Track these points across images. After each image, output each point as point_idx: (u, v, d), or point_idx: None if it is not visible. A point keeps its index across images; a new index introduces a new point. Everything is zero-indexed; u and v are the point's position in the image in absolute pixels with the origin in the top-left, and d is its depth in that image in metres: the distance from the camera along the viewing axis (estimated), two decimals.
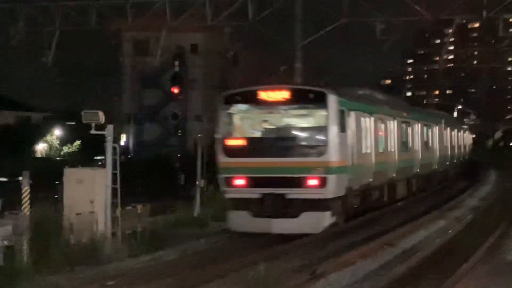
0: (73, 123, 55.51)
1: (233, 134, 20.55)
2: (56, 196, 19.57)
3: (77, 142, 49.69)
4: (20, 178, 17.02)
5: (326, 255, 17.63)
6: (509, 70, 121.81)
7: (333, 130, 19.79)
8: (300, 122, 20.51)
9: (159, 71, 58.51)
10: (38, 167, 35.91)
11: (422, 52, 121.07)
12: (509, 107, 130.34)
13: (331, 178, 19.49)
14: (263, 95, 20.27)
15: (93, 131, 17.80)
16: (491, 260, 17.14)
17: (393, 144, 26.61)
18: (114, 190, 17.74)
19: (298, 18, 32.49)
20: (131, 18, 33.87)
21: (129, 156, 58.14)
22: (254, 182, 19.66)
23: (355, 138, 21.72)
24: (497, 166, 58.66)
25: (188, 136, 42.88)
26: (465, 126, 51.60)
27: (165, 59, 47.74)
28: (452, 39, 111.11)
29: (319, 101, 19.82)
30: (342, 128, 20.33)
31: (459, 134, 44.73)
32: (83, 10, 33.89)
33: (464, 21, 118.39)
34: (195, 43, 63.44)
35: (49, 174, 29.20)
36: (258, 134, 20.59)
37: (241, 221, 19.87)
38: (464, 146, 46.99)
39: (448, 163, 39.47)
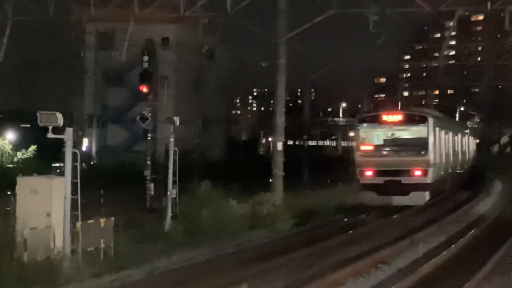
0: (28, 125, 55.13)
1: (365, 142, 34.21)
2: (8, 208, 19.40)
3: (33, 147, 49.29)
4: None
5: (313, 274, 17.66)
6: None
7: (431, 140, 33.55)
8: (409, 134, 34.24)
9: (126, 67, 58.23)
10: None
11: (420, 47, 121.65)
12: None
13: (430, 170, 33.07)
14: (385, 117, 34.43)
15: (50, 135, 17.65)
16: (498, 278, 17.26)
17: (450, 149, 39.38)
18: (74, 202, 17.62)
19: (281, 8, 32.45)
20: (94, 7, 33.72)
21: (91, 163, 57.85)
22: (379, 173, 32.98)
23: (438, 145, 35.05)
24: (503, 175, 59.09)
25: (158, 141, 42.65)
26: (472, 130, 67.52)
27: (133, 54, 47.54)
28: (453, 33, 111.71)
29: (423, 122, 33.89)
30: (434, 139, 33.93)
31: (474, 140, 58.68)
32: None
33: (467, 13, 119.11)
34: (166, 36, 63.24)
35: (0, 183, 28.98)
36: (381, 142, 34.33)
37: (370, 197, 32.98)
38: (475, 150, 59.80)
39: (471, 164, 52.16)
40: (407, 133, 34.38)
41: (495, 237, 23.85)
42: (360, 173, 33.71)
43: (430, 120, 34.14)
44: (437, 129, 34.73)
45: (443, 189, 37.20)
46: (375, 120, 34.82)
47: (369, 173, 33.33)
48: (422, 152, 33.25)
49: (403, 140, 34.04)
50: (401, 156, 33.33)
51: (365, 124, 34.74)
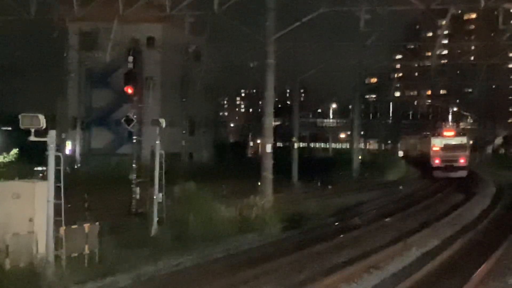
0: (9, 128, 54.96)
1: (435, 145, 61.94)
2: None
3: (14, 151, 49.18)
4: None
5: (304, 279, 17.67)
6: (510, 67, 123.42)
7: (468, 145, 63.84)
8: (456, 141, 62.26)
9: (110, 68, 58.16)
10: None
11: (412, 46, 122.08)
12: (510, 110, 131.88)
13: (467, 159, 62.29)
14: (445, 133, 64.03)
15: (32, 138, 17.59)
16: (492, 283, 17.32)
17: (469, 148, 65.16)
18: (57, 206, 17.55)
19: (269, 6, 32.43)
20: (77, 6, 33.63)
21: (75, 166, 57.70)
22: (442, 161, 61.01)
23: (469, 147, 64.43)
24: (497, 178, 59.42)
25: (144, 143, 42.58)
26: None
27: (117, 54, 47.45)
28: (446, 32, 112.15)
29: (464, 135, 65.87)
30: (468, 144, 64.32)
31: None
32: None
33: (460, 11, 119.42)
34: (151, 35, 63.13)
35: None
36: (442, 145, 61.64)
37: (437, 173, 60.52)
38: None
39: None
40: (455, 140, 62.67)
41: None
42: (432, 161, 61.89)
43: (467, 135, 66.66)
44: (468, 138, 64.91)
45: (469, 169, 63.81)
46: (440, 134, 63.96)
47: (437, 161, 61.55)
48: (464, 150, 62.13)
49: (454, 144, 62.00)
50: (453, 152, 61.18)
51: (435, 136, 63.87)
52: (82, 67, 63.68)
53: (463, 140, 63.05)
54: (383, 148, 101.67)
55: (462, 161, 61.14)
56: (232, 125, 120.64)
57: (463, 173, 60.47)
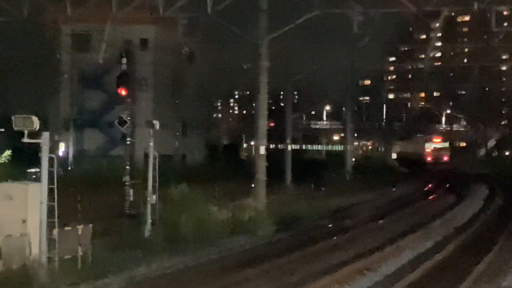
0: (2, 130, 54.86)
1: (428, 147, 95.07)
2: None
3: (7, 152, 49.06)
4: None
5: (297, 281, 17.71)
6: (503, 70, 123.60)
7: (449, 148, 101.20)
8: (442, 145, 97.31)
9: (103, 70, 58.10)
10: None
11: (406, 48, 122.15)
12: (503, 112, 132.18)
13: (449, 157, 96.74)
14: (434, 139, 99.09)
15: (25, 139, 17.58)
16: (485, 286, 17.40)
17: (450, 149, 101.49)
18: (50, 208, 17.55)
19: (263, 8, 32.49)
20: (69, 7, 33.60)
21: (68, 168, 57.63)
22: (433, 158, 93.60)
23: (450, 149, 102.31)
24: (491, 181, 59.63)
25: (137, 145, 42.54)
26: None
27: (110, 56, 47.38)
28: (439, 34, 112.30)
29: (446, 141, 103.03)
30: (449, 147, 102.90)
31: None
32: None
33: (453, 13, 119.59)
34: (145, 37, 63.07)
35: None
36: (432, 148, 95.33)
37: (429, 166, 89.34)
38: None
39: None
40: (441, 145, 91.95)
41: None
42: (426, 159, 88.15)
43: (448, 142, 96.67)
44: (450, 143, 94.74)
45: (450, 164, 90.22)
46: (431, 140, 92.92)
47: (429, 158, 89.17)
48: (447, 151, 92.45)
49: (440, 147, 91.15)
50: (439, 152, 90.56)
51: (427, 142, 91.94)
52: (74, 69, 63.59)
53: (445, 144, 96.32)
54: (376, 149, 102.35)
55: (445, 158, 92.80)
56: (225, 126, 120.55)
57: (446, 166, 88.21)
